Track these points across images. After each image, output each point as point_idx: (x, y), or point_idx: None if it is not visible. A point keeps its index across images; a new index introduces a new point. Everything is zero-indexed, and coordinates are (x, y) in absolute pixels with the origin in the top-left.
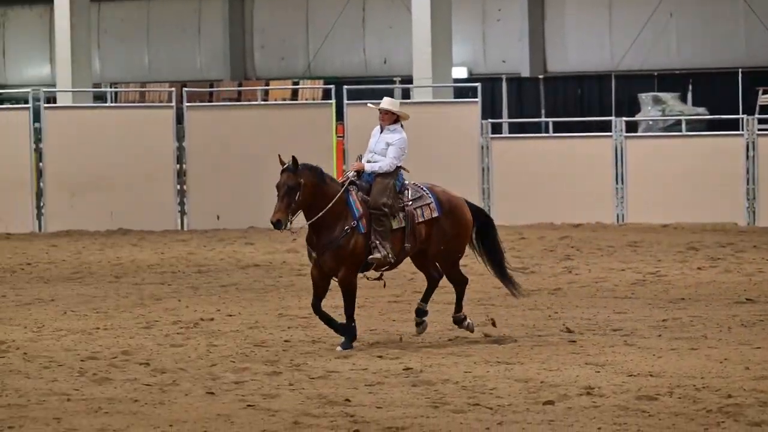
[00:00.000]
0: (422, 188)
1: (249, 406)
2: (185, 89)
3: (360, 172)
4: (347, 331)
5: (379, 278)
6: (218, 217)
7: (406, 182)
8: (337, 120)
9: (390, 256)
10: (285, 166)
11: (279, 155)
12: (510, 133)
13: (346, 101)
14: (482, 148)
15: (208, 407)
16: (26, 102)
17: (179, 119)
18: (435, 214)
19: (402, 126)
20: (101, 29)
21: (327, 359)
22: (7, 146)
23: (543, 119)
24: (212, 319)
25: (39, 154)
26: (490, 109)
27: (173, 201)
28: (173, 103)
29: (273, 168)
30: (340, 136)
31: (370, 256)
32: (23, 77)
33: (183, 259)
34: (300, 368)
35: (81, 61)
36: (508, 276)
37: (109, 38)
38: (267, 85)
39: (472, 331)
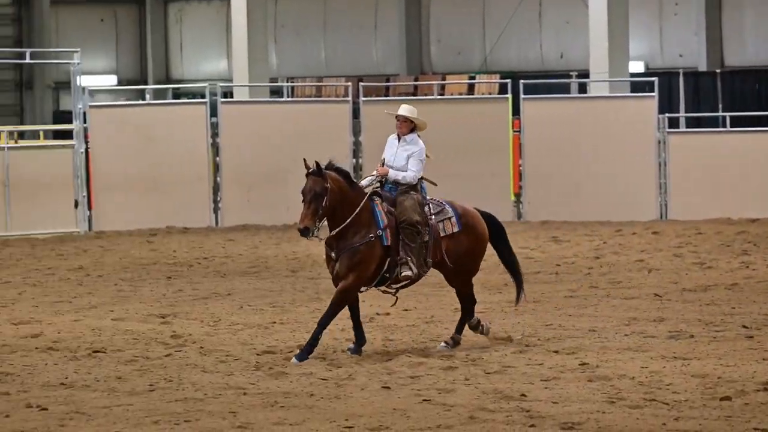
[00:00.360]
0: (442, 202)
1: (425, 400)
2: (361, 84)
3: (383, 180)
4: (311, 343)
5: (394, 293)
6: None
7: (427, 197)
8: (513, 115)
9: (418, 273)
10: (310, 170)
11: (304, 159)
12: (687, 127)
13: (522, 96)
14: (659, 142)
15: (383, 401)
16: (203, 97)
17: (355, 114)
18: (455, 229)
19: (419, 135)
20: (278, 24)
21: (503, 354)
22: (184, 141)
23: (720, 114)
24: (388, 314)
25: (216, 149)
26: (667, 104)
27: None
28: (350, 98)
29: (448, 162)
30: (516, 131)
31: (403, 273)
32: (200, 72)
33: None
34: (476, 363)
35: (258, 55)
36: (522, 284)
37: (286, 33)
38: (443, 79)
39: (487, 335)
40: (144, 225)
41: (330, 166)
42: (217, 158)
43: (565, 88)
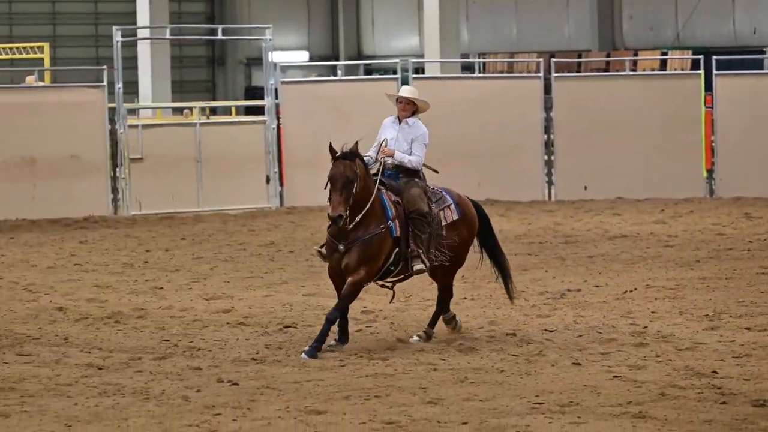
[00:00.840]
0: (439, 190)
1: (615, 377)
2: (553, 60)
3: (382, 163)
4: (319, 339)
5: (391, 287)
6: (585, 188)
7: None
8: (705, 90)
9: (429, 266)
10: (338, 153)
11: (330, 143)
12: None
13: (714, 72)
14: None
15: (574, 378)
16: (395, 73)
17: (547, 90)
18: (455, 217)
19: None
20: (469, 1)
21: (694, 331)
22: (375, 116)
23: None
24: (579, 290)
25: None
26: None
27: (540, 172)
28: (541, 74)
29: (639, 138)
30: (709, 107)
31: (416, 267)
32: (391, 48)
33: (550, 229)
34: (667, 340)
35: (449, 32)
36: (510, 276)
37: (477, 9)
38: (635, 55)
39: (459, 332)
40: None
41: (354, 151)
42: None
43: (758, 64)
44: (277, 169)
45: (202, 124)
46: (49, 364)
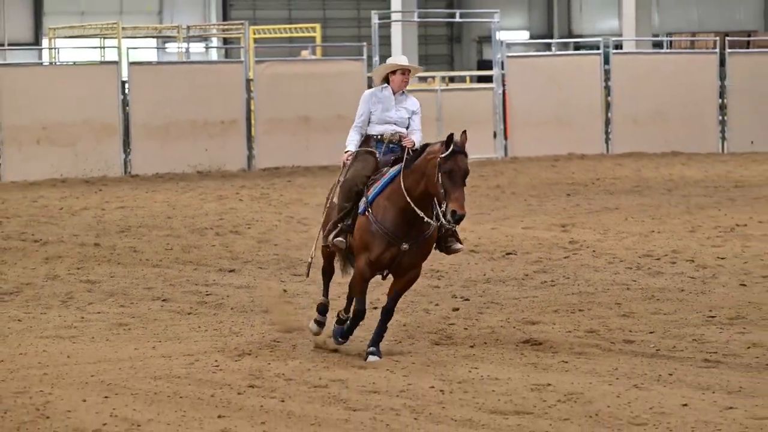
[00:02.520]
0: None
1: None
2: (727, 38)
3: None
4: (380, 335)
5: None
6: (752, 142)
7: None
8: None
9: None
10: (456, 148)
11: (452, 134)
12: None
13: None
14: None
15: (741, 296)
16: (598, 48)
17: (722, 63)
18: None
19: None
20: None
21: None
22: (583, 85)
23: None
24: (746, 225)
25: (608, 91)
26: None
27: (716, 129)
28: (717, 50)
29: None
30: None
31: (454, 247)
32: (595, 28)
33: (723, 176)
34: None
35: (643, 15)
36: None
37: None
38: None
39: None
40: (550, 152)
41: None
42: (608, 98)
43: None
44: (502, 127)
45: (442, 90)
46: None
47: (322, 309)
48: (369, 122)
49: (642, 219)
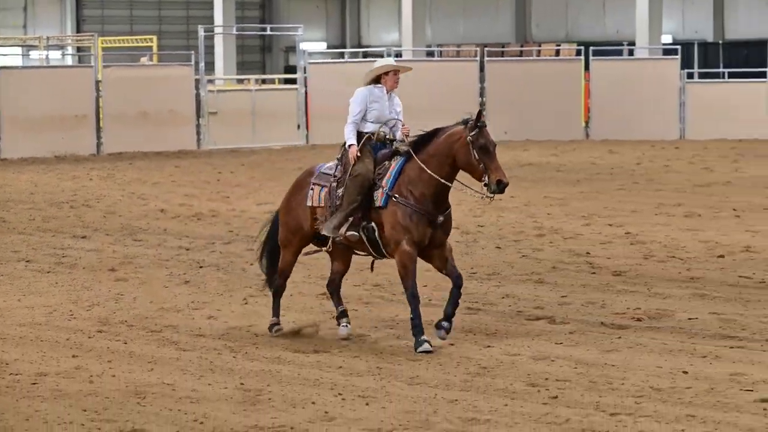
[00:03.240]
0: None
1: (523, 256)
2: (486, 49)
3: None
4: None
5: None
6: (506, 132)
7: None
8: (585, 70)
9: None
10: (480, 123)
11: (481, 111)
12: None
13: (591, 57)
14: (680, 89)
15: (496, 257)
16: (383, 56)
17: (482, 69)
18: None
19: None
20: (432, 7)
21: (575, 226)
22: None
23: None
24: (501, 199)
25: None
26: (686, 64)
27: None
28: (478, 59)
29: (541, 102)
30: (587, 81)
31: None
32: (381, 40)
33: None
34: (557, 232)
35: (418, 29)
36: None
37: (437, 13)
38: (539, 46)
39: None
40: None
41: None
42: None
43: (619, 53)
44: (304, 120)
45: (256, 90)
46: (154, 246)
47: (278, 329)
48: (362, 119)
49: None
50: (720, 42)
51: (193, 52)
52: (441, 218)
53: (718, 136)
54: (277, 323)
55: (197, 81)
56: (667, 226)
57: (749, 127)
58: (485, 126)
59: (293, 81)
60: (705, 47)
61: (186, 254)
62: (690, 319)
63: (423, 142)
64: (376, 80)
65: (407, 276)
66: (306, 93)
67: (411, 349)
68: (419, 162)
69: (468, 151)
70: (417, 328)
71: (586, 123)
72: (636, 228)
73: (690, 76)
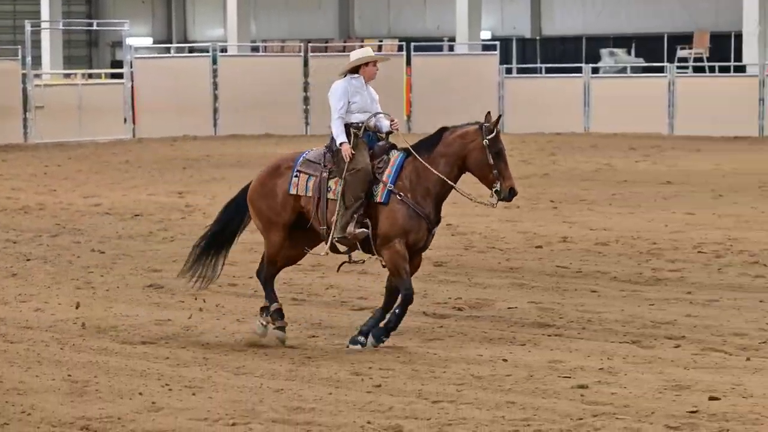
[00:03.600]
0: None
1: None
2: (310, 44)
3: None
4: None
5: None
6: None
7: None
8: (406, 65)
9: None
10: (495, 128)
11: (490, 112)
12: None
13: (413, 53)
14: (498, 83)
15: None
16: (208, 52)
17: (306, 64)
18: None
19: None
20: (258, 4)
21: None
22: (195, 80)
23: (538, 65)
24: None
25: (215, 85)
26: (505, 59)
27: (301, 114)
28: (302, 54)
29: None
30: (408, 75)
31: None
32: (206, 35)
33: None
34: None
35: (243, 25)
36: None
37: (261, 9)
38: (362, 41)
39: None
40: (169, 134)
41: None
42: (216, 91)
43: (440, 48)
44: (131, 113)
45: (83, 85)
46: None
47: (279, 314)
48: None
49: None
50: (537, 38)
51: (20, 46)
52: (435, 230)
53: (535, 129)
54: (279, 308)
55: (24, 75)
56: (487, 218)
57: (565, 121)
58: (498, 132)
59: (120, 76)
60: (523, 43)
61: (13, 247)
62: (509, 308)
63: (426, 141)
64: (353, 71)
65: (401, 275)
66: (132, 87)
67: (236, 340)
68: (423, 161)
69: (483, 154)
70: (387, 330)
71: (408, 117)
72: (456, 219)
73: (509, 71)
